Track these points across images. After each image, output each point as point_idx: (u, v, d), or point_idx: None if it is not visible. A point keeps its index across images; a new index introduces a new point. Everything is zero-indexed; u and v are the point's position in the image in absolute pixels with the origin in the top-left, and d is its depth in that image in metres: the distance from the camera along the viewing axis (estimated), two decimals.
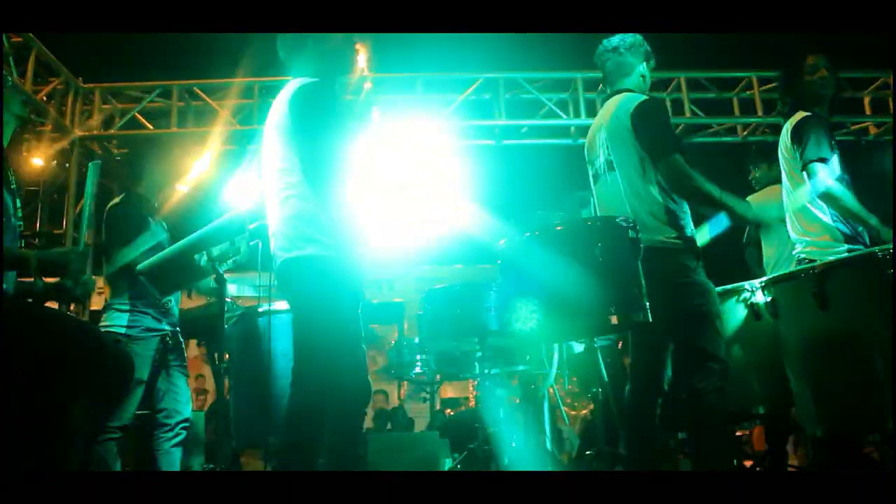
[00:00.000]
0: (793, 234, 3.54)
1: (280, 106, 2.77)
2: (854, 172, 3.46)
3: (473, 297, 3.30)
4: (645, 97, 3.10)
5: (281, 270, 2.70)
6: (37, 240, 8.24)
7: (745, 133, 8.67)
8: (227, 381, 3.44)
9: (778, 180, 4.67)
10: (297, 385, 2.59)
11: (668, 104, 8.42)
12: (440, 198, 6.84)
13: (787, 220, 3.58)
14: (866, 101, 8.63)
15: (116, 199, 4.07)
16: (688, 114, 8.30)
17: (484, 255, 7.69)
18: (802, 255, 3.42)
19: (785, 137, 3.50)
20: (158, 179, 4.11)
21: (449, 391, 9.06)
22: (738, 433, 4.55)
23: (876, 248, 2.75)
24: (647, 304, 2.62)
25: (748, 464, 4.24)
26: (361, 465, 3.54)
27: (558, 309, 2.46)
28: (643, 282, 2.63)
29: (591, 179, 3.27)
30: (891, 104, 8.49)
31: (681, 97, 8.31)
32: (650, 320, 2.60)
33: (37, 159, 8.08)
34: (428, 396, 5.14)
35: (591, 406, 4.01)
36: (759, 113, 8.39)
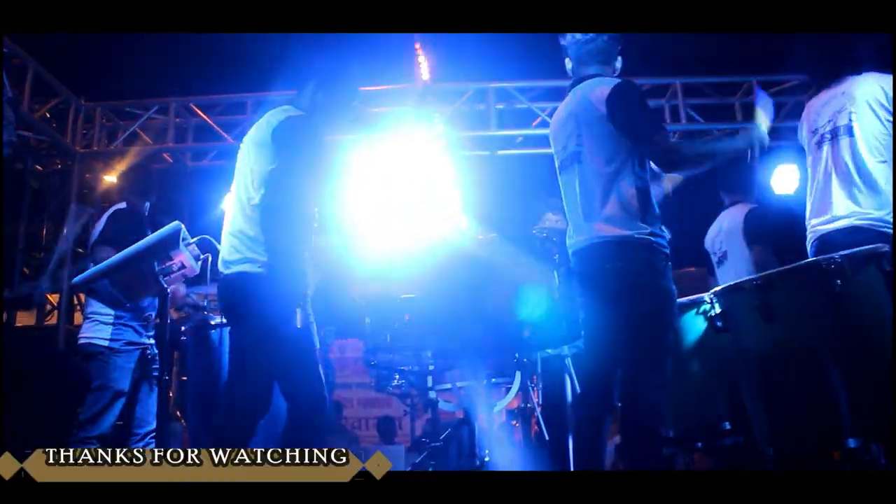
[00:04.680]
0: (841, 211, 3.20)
1: (262, 129, 2.86)
2: None
3: (412, 310, 3.27)
4: (618, 80, 2.90)
5: (219, 287, 2.76)
6: (41, 253, 8.38)
7: None
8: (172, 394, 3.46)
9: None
10: (225, 399, 2.63)
11: (666, 111, 8.37)
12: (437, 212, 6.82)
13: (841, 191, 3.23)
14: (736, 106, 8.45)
15: (122, 205, 4.13)
16: (684, 120, 8.21)
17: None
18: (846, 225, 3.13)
19: (876, 91, 3.16)
20: (152, 198, 4.22)
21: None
22: None
23: (820, 258, 2.68)
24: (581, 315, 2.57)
25: None
26: None
27: (477, 324, 2.43)
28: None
29: (557, 171, 3.08)
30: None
31: (677, 103, 8.23)
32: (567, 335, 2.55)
33: (39, 175, 8.30)
34: (408, 409, 5.11)
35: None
36: None
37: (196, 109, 8.26)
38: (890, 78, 3.17)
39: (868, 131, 3.17)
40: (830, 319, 2.66)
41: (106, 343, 3.84)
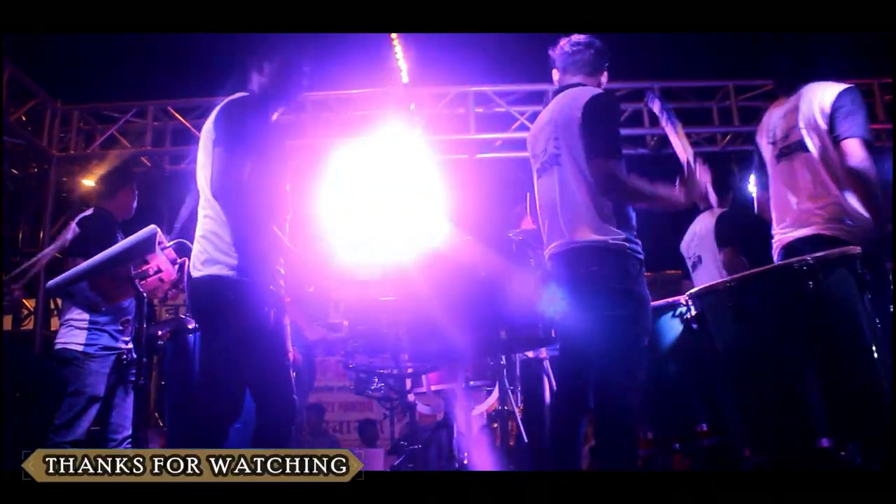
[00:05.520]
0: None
1: (208, 121, 2.79)
2: None
3: (388, 314, 3.27)
4: (600, 90, 2.96)
5: (189, 289, 2.72)
6: (18, 258, 8.28)
7: (725, 142, 8.63)
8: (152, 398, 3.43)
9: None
10: (197, 404, 2.61)
11: (644, 115, 8.41)
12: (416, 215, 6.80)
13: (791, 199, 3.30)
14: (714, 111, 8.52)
15: (88, 212, 4.09)
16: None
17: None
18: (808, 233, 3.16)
19: (820, 103, 3.18)
20: (125, 201, 4.18)
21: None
22: None
23: (792, 260, 2.71)
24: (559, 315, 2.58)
25: None
26: None
27: (454, 327, 2.44)
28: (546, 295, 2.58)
29: (533, 175, 3.11)
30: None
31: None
32: (540, 335, 2.56)
33: (16, 179, 8.20)
34: (387, 413, 5.11)
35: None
36: (736, 123, 8.35)
37: (174, 113, 8.21)
38: (831, 85, 3.19)
39: (818, 144, 3.20)
40: (803, 320, 2.69)
41: (81, 348, 3.82)
